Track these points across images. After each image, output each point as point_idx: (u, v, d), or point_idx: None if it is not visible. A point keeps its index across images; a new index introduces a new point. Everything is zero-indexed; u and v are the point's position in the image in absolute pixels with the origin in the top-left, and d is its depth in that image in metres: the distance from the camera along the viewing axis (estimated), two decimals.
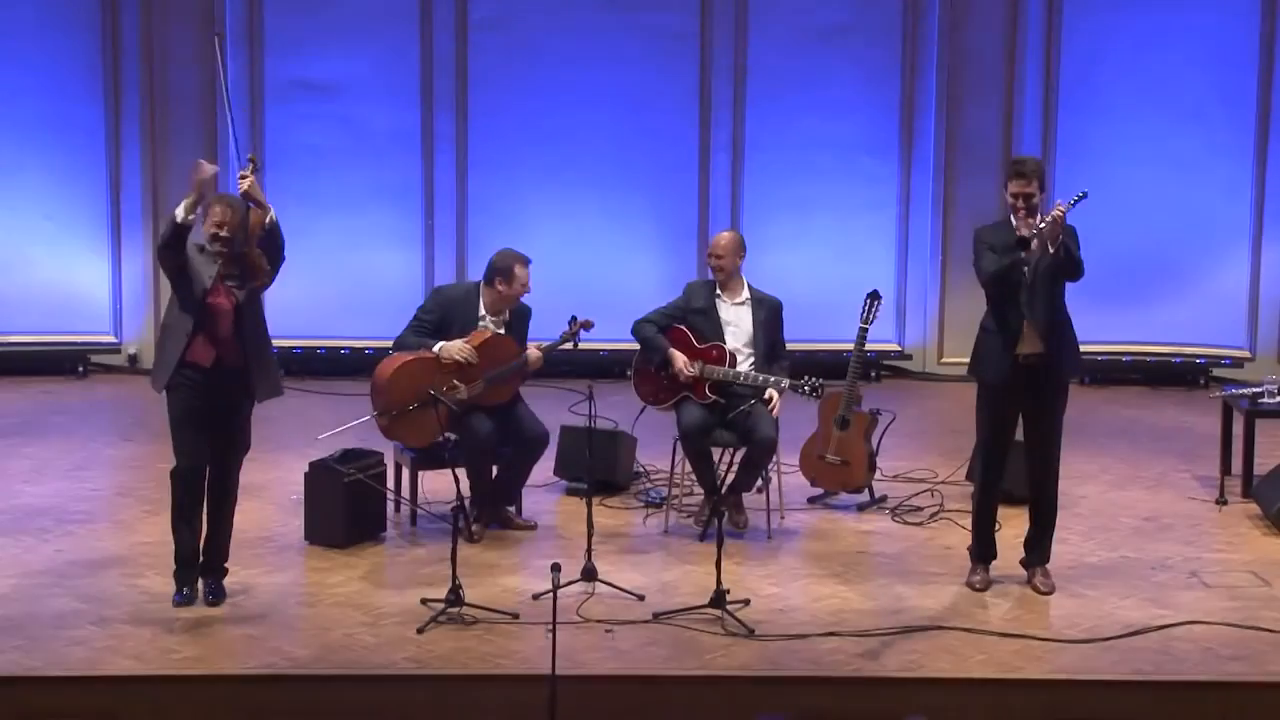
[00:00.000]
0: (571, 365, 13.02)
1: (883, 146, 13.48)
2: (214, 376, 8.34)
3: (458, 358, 9.42)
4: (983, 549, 8.96)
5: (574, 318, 9.72)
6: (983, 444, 8.88)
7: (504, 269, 9.62)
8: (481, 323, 9.62)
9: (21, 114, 13.27)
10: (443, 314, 9.62)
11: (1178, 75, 13.18)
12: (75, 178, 13.35)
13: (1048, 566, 8.95)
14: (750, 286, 9.84)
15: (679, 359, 9.66)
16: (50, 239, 13.37)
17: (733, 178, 13.49)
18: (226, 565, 8.67)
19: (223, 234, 8.26)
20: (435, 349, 9.44)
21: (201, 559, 8.61)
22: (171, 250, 8.20)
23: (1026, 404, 8.74)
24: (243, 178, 8.26)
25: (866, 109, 13.44)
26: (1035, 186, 8.56)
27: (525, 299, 9.70)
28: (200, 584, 8.58)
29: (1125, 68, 13.24)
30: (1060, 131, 13.35)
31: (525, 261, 9.67)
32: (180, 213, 8.14)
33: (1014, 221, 8.58)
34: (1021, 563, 8.99)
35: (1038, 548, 8.94)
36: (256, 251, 8.37)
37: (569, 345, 9.76)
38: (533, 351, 9.58)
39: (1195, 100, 13.21)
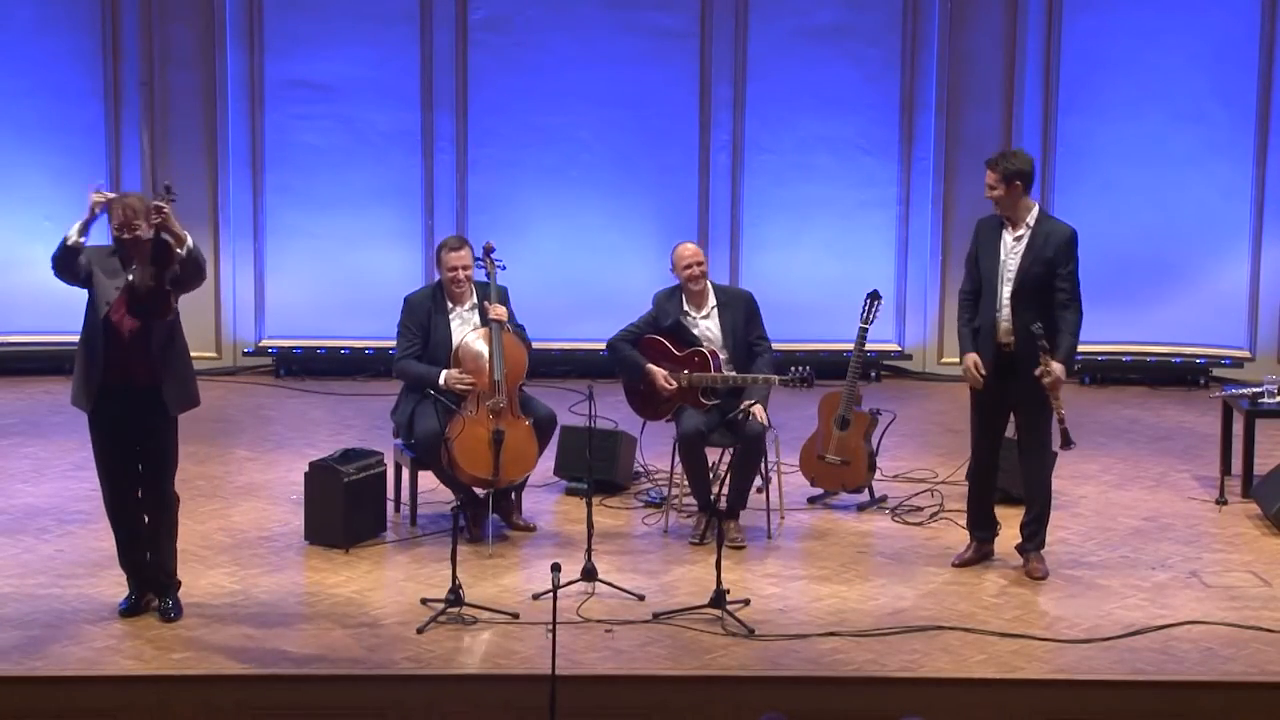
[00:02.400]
0: (571, 365, 13.04)
1: (883, 146, 13.47)
2: (128, 396, 8.23)
3: (461, 388, 9.39)
4: (972, 527, 9.15)
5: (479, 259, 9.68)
6: (972, 434, 9.09)
7: (436, 259, 9.74)
8: (454, 318, 9.61)
9: (21, 114, 13.26)
10: (418, 320, 9.63)
11: (1178, 75, 13.17)
12: (75, 178, 13.32)
13: (1042, 553, 9.07)
14: (715, 289, 9.77)
15: (658, 376, 9.62)
16: (50, 239, 13.22)
17: (733, 178, 13.48)
18: (179, 579, 8.50)
19: (124, 236, 8.22)
20: (441, 381, 9.41)
21: (147, 576, 8.47)
22: (63, 268, 8.18)
23: (1015, 397, 8.89)
24: (158, 210, 8.10)
25: (866, 109, 13.43)
26: (994, 178, 8.84)
27: (502, 280, 9.69)
28: (155, 602, 8.47)
29: (1125, 67, 13.22)
30: (1060, 131, 13.33)
31: (451, 245, 9.68)
32: (73, 234, 8.14)
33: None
34: (1017, 548, 9.09)
35: (1034, 534, 9.08)
36: (166, 289, 8.21)
37: (500, 271, 9.64)
38: (491, 312, 9.48)
39: (1195, 100, 13.19)
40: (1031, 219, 8.85)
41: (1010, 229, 8.87)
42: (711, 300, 9.71)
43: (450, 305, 9.65)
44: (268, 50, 13.32)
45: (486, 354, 9.42)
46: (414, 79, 13.37)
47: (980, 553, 9.20)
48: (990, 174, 8.86)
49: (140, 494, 8.42)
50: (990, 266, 8.88)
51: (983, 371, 8.87)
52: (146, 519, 8.44)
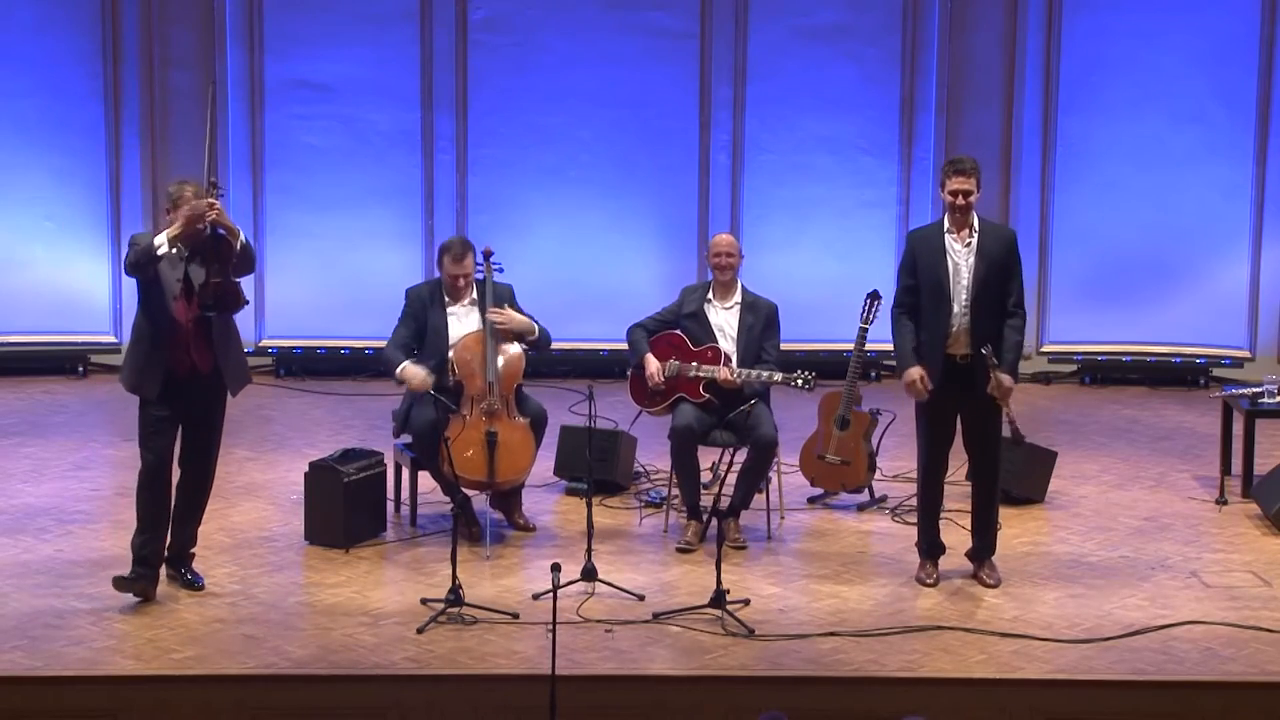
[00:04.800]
0: (571, 365, 13.04)
1: (883, 146, 13.47)
2: (191, 383, 8.42)
3: (416, 383, 9.36)
4: (931, 545, 9.00)
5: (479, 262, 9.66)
6: (922, 442, 8.94)
7: (438, 261, 9.72)
8: (451, 314, 9.58)
9: (21, 114, 13.26)
10: (414, 312, 9.62)
11: (1178, 75, 13.17)
12: (75, 178, 13.34)
13: (994, 560, 8.98)
14: (745, 290, 9.79)
15: (650, 365, 9.64)
16: (50, 239, 13.36)
17: (733, 178, 13.48)
18: (194, 551, 8.79)
19: (191, 229, 8.25)
20: (398, 371, 9.40)
21: (168, 553, 8.68)
22: (142, 272, 8.26)
23: (965, 403, 8.79)
24: (210, 206, 8.23)
25: (866, 109, 13.43)
26: (973, 184, 8.76)
27: (505, 279, 9.68)
28: (171, 576, 8.69)
29: (1125, 68, 13.22)
30: (1060, 131, 13.33)
31: (455, 255, 9.57)
32: (164, 245, 8.18)
33: (946, 223, 8.74)
34: (968, 554, 9.01)
35: (986, 543, 8.97)
36: (235, 282, 8.39)
37: (498, 274, 9.63)
38: (491, 314, 9.46)
39: (1195, 100, 13.20)
40: (975, 223, 8.80)
41: (958, 236, 8.73)
42: (738, 297, 9.72)
43: (448, 301, 9.65)
44: (268, 50, 13.32)
45: (480, 356, 9.42)
46: (414, 79, 13.38)
47: (938, 569, 9.06)
48: (968, 180, 8.66)
49: (185, 467, 8.62)
50: (941, 276, 8.68)
51: (929, 385, 8.73)
52: (188, 486, 8.63)
